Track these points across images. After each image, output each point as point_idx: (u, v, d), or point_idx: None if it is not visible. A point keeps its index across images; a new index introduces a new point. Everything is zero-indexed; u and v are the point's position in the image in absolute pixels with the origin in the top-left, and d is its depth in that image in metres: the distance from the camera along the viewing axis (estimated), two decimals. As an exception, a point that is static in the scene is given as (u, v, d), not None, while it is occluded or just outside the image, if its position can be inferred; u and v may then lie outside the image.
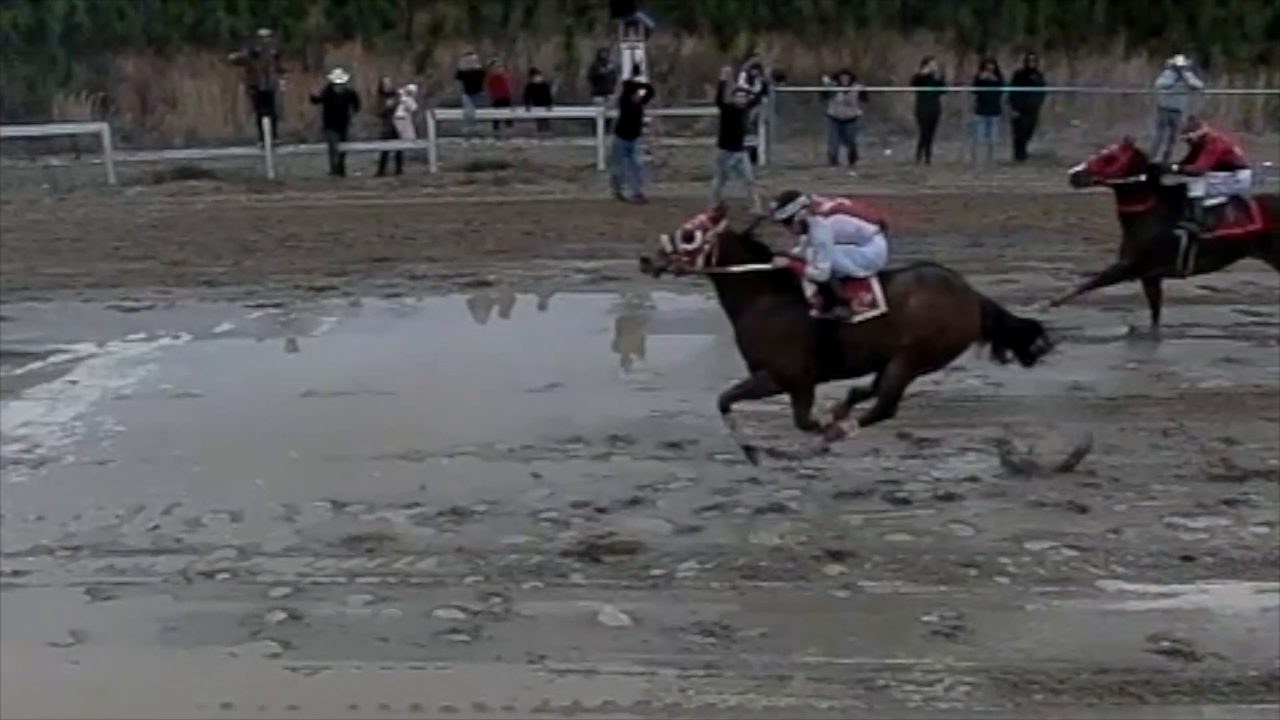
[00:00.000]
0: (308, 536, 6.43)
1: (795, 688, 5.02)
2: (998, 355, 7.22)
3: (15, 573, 6.08)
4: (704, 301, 9.88)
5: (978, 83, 19.83)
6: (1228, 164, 9.81)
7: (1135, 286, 10.39)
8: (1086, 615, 5.56)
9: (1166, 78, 19.46)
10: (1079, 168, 10.15)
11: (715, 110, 16.87)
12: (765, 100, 16.88)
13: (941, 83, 20.29)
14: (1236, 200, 9.73)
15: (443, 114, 20.37)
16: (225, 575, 6.06)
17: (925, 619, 5.50)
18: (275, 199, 17.67)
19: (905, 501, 6.78)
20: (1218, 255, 9.77)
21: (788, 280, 6.92)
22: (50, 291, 11.97)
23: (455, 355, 9.38)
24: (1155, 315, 9.86)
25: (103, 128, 19.45)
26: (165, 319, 10.93)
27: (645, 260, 7.02)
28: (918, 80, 20.29)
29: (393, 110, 19.74)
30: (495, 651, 5.32)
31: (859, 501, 6.78)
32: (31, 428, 8.13)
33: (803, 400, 7.06)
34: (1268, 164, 18.90)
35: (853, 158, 19.52)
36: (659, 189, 16.79)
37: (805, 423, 7.10)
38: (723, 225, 6.92)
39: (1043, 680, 5.01)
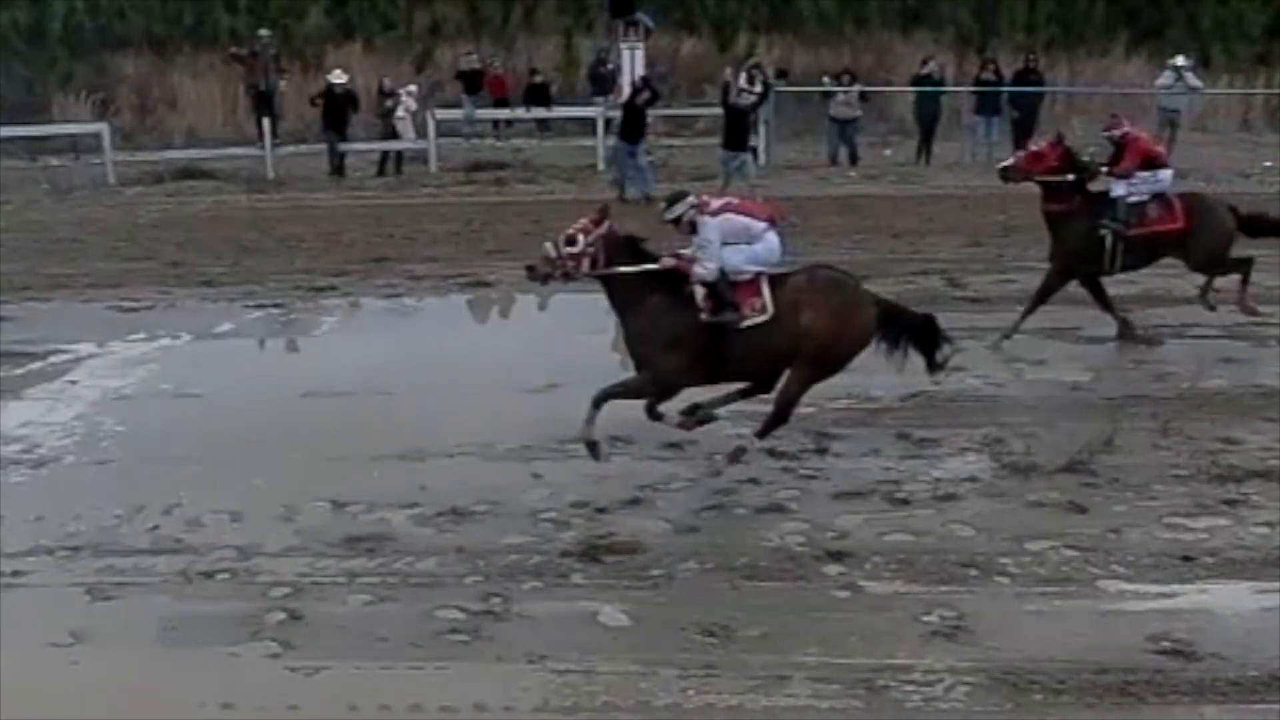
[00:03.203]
0: (308, 536, 6.43)
1: (795, 688, 5.01)
2: (896, 352, 7.13)
3: (15, 573, 6.07)
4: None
5: (978, 83, 19.84)
6: (1150, 163, 9.80)
7: (1135, 286, 10.40)
8: (1086, 615, 5.56)
9: (1166, 78, 19.48)
10: (1008, 162, 10.17)
11: (714, 110, 16.90)
12: (768, 101, 16.87)
13: (941, 83, 20.30)
14: (1160, 197, 9.74)
15: (443, 114, 20.38)
16: (225, 575, 6.06)
17: (925, 619, 5.50)
18: (275, 199, 17.67)
19: (905, 501, 6.77)
20: (1143, 253, 9.75)
21: (678, 282, 6.90)
22: (50, 291, 11.97)
23: (455, 355, 9.38)
24: (1112, 313, 9.82)
25: (102, 128, 19.45)
26: (165, 319, 10.92)
27: (530, 267, 7.03)
28: (917, 80, 20.31)
29: (393, 110, 19.75)
30: (495, 651, 5.32)
31: (859, 501, 6.77)
32: (31, 428, 8.12)
33: (665, 396, 7.03)
34: (1268, 164, 18.97)
35: (853, 159, 19.52)
36: (658, 189, 16.75)
37: (654, 413, 7.11)
38: (605, 227, 6.92)
39: (1043, 680, 5.01)
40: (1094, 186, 9.79)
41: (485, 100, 22.00)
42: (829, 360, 6.98)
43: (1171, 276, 11.79)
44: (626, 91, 18.39)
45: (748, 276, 6.89)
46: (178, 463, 7.37)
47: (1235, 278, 9.76)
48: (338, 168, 19.30)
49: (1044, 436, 7.64)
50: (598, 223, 6.94)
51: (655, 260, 6.95)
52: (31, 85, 22.53)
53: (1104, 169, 9.84)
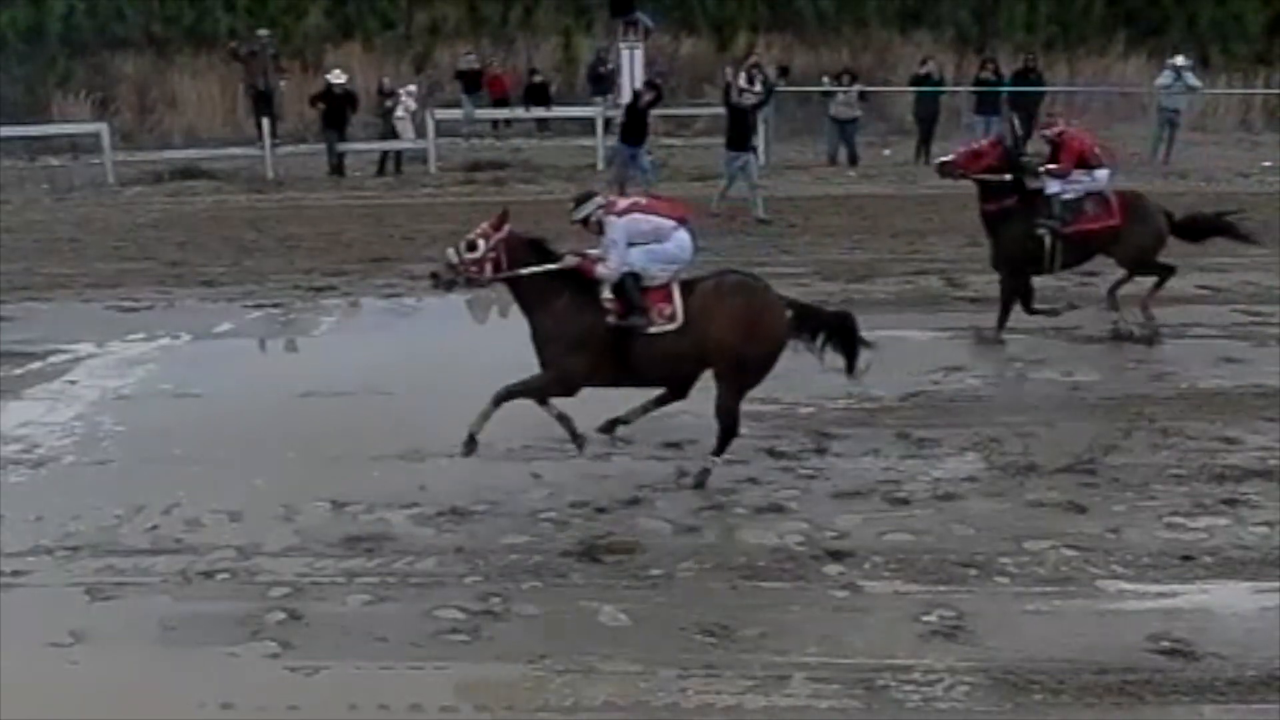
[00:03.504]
0: (308, 536, 6.43)
1: (794, 687, 5.02)
2: (814, 349, 7.09)
3: (15, 573, 6.07)
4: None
5: (978, 83, 19.84)
6: (1085, 163, 9.81)
7: (1134, 286, 10.40)
8: (1086, 615, 5.56)
9: (1166, 77, 19.48)
10: (947, 158, 10.19)
11: (714, 110, 16.87)
12: (771, 100, 16.84)
13: (940, 82, 20.29)
14: (1097, 195, 9.77)
15: (442, 114, 20.38)
16: (225, 575, 6.06)
17: (925, 619, 5.50)
18: (275, 199, 17.66)
19: (905, 501, 6.78)
20: (1080, 250, 9.76)
21: (589, 283, 6.89)
22: (50, 291, 11.96)
23: (455, 355, 9.38)
24: (1029, 308, 9.82)
25: (102, 128, 19.44)
26: (165, 319, 10.92)
27: (434, 275, 7.02)
28: (916, 80, 20.31)
29: (392, 110, 19.75)
30: (495, 651, 5.32)
31: (859, 501, 6.78)
32: (31, 428, 8.12)
33: (566, 395, 7.00)
34: (1267, 164, 18.97)
35: (853, 159, 19.52)
36: (658, 189, 16.76)
37: (551, 408, 7.09)
38: (505, 230, 6.91)
39: (1043, 680, 5.01)
40: (1031, 184, 9.80)
41: (485, 100, 22.01)
42: (746, 366, 6.89)
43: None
44: (626, 92, 18.40)
45: (660, 282, 6.88)
46: (178, 463, 7.37)
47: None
48: (337, 167, 19.30)
49: (1044, 436, 7.65)
50: (498, 226, 6.91)
51: (559, 259, 6.93)
52: (31, 85, 22.52)
53: (1042, 169, 9.85)
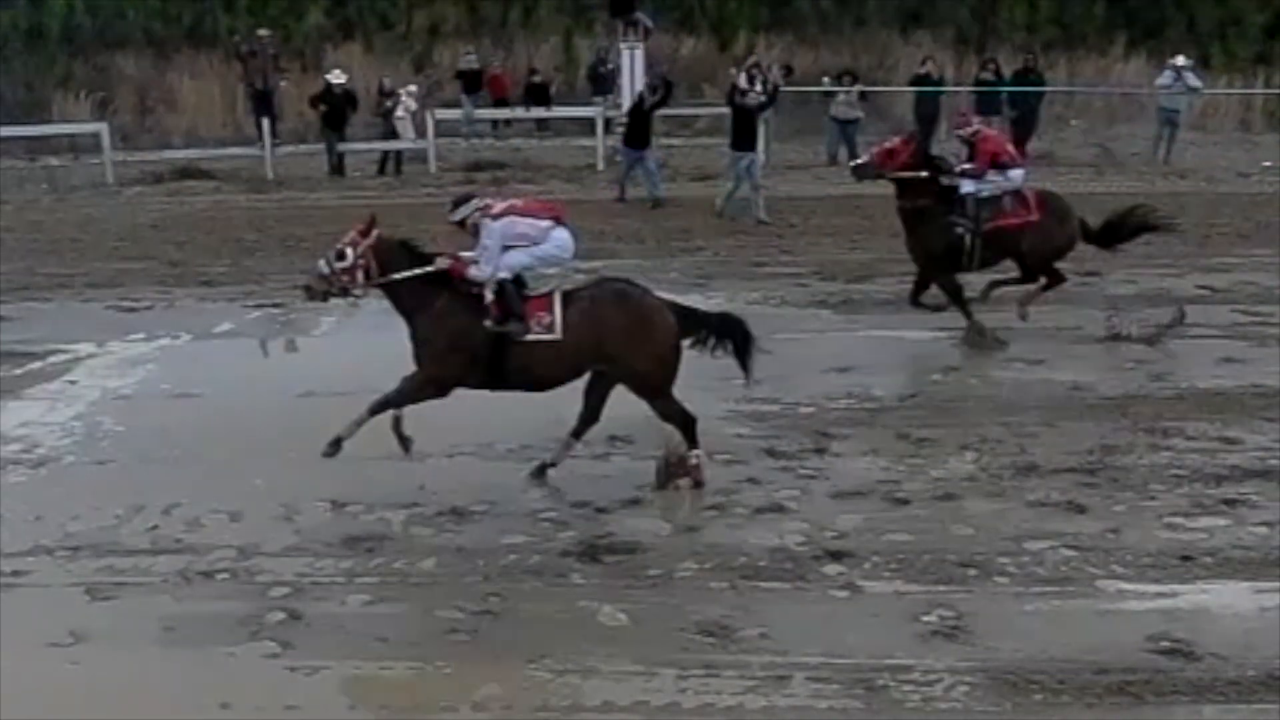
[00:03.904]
0: (307, 536, 6.44)
1: (794, 688, 5.02)
2: (707, 348, 7.07)
3: (15, 573, 6.08)
4: (704, 302, 9.90)
5: (978, 83, 19.83)
6: (999, 163, 9.82)
7: (1133, 286, 10.41)
8: (1086, 615, 5.56)
9: (1166, 78, 19.47)
10: (861, 159, 10.23)
11: (713, 110, 16.84)
12: (776, 101, 16.79)
13: (940, 82, 20.29)
14: (1014, 192, 9.78)
15: (442, 114, 20.37)
16: (225, 575, 6.06)
17: (925, 619, 5.50)
18: (275, 199, 17.65)
19: (905, 501, 6.78)
20: (998, 247, 9.77)
21: (466, 285, 6.88)
22: (50, 291, 11.97)
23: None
24: (920, 306, 9.87)
25: (102, 128, 19.43)
26: (165, 319, 10.92)
27: (306, 287, 7.00)
28: (915, 80, 20.30)
29: (392, 110, 19.74)
30: (495, 651, 5.33)
31: (859, 501, 6.78)
32: (31, 428, 8.12)
33: (439, 396, 6.94)
34: (1267, 164, 18.97)
35: (853, 159, 19.46)
36: (665, 190, 16.78)
37: (393, 418, 7.03)
38: (374, 237, 6.87)
39: (1043, 680, 5.01)
40: (947, 182, 9.81)
41: (485, 100, 22.00)
42: (643, 372, 6.86)
43: (1171, 276, 11.84)
44: (627, 92, 18.38)
45: (543, 291, 6.90)
46: (178, 463, 7.38)
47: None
48: (337, 167, 19.30)
49: (1044, 436, 7.65)
50: (365, 233, 6.86)
51: (431, 263, 6.91)
52: (31, 85, 22.52)
53: (957, 168, 9.87)
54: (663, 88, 16.65)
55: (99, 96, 22.33)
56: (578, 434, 7.15)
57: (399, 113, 19.71)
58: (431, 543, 6.36)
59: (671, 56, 23.47)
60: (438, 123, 19.80)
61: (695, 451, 7.00)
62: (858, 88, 19.77)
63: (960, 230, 9.60)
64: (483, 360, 6.80)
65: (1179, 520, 6.46)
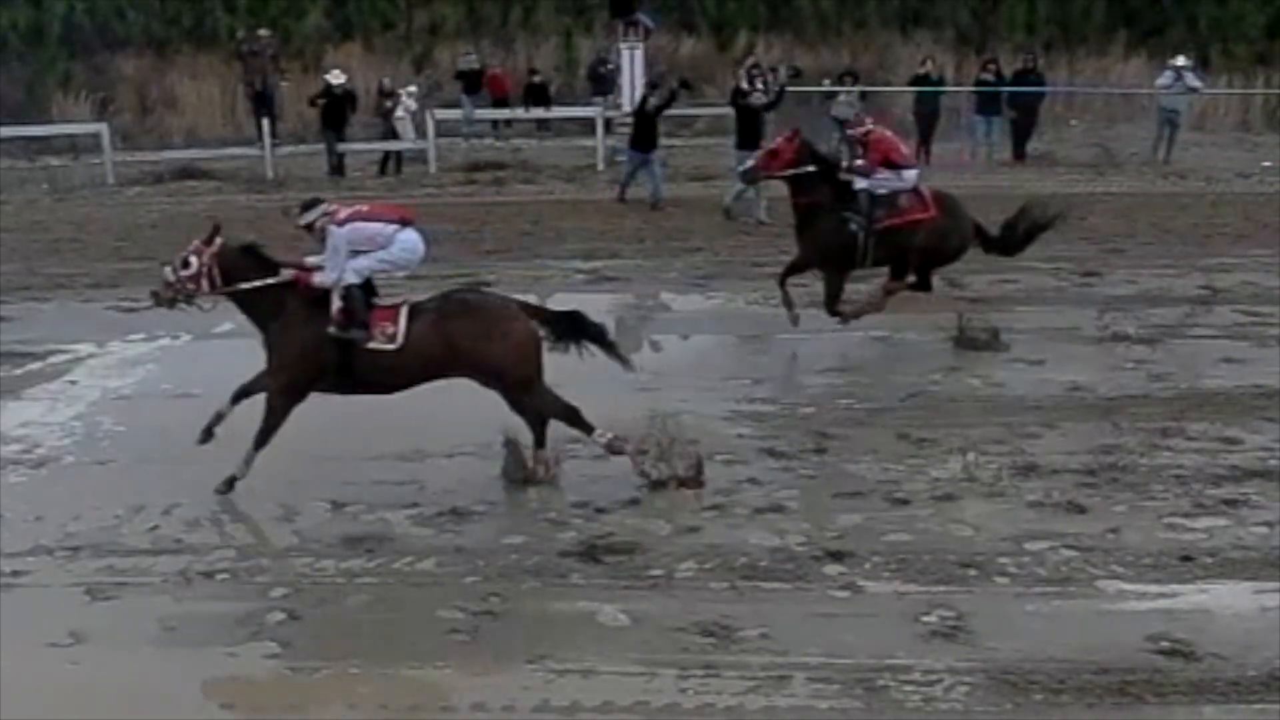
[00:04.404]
0: (307, 536, 6.44)
1: (795, 688, 5.02)
2: (566, 347, 7.08)
3: (15, 573, 6.08)
4: (704, 302, 9.93)
5: (978, 83, 19.83)
6: (892, 163, 9.82)
7: (1133, 286, 10.41)
8: (1086, 615, 5.56)
9: (1166, 78, 19.47)
10: (748, 164, 10.23)
11: (712, 111, 16.81)
12: (783, 101, 16.77)
13: (939, 82, 20.29)
14: (910, 191, 9.78)
15: (442, 114, 20.37)
16: (225, 575, 6.07)
17: (925, 619, 5.50)
18: (275, 199, 17.64)
19: (905, 501, 6.77)
20: (892, 245, 9.76)
21: (313, 291, 6.90)
22: (50, 291, 11.96)
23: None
24: (789, 307, 9.88)
25: (102, 128, 19.42)
26: (165, 319, 10.81)
27: (154, 294, 7.06)
28: (915, 80, 20.30)
29: (392, 110, 19.74)
30: (495, 651, 5.33)
31: (859, 501, 6.78)
32: (31, 428, 8.12)
33: (293, 403, 6.99)
34: (1267, 164, 18.97)
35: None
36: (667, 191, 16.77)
37: (211, 430, 7.07)
38: (218, 244, 6.91)
39: (1043, 680, 5.01)
40: (842, 177, 9.81)
41: (485, 100, 21.99)
42: (507, 372, 6.86)
43: (1170, 276, 11.84)
44: (627, 94, 18.38)
45: (391, 302, 6.95)
46: (178, 463, 7.36)
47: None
48: (337, 167, 19.29)
49: (1044, 436, 7.65)
50: (209, 241, 6.91)
51: (277, 270, 6.93)
52: (31, 85, 22.51)
53: (845, 163, 9.91)
54: (668, 94, 16.64)
55: (99, 96, 22.32)
56: (539, 443, 7.13)
57: (399, 113, 19.71)
58: (431, 543, 6.35)
59: (671, 56, 23.48)
60: (438, 123, 19.80)
61: (606, 434, 6.96)
62: (858, 88, 19.77)
63: (854, 227, 9.62)
64: (331, 366, 6.84)
65: (1179, 520, 6.46)
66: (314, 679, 5.13)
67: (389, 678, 5.12)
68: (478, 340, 6.80)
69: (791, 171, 9.68)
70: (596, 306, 10.72)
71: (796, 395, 8.54)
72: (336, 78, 19.39)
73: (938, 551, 6.13)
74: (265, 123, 19.35)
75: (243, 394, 7.09)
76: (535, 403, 6.96)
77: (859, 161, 9.86)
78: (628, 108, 17.96)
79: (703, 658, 5.24)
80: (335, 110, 19.10)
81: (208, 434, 7.05)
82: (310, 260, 6.98)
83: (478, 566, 6.07)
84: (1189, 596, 5.73)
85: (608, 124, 19.21)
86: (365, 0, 25.96)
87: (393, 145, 19.74)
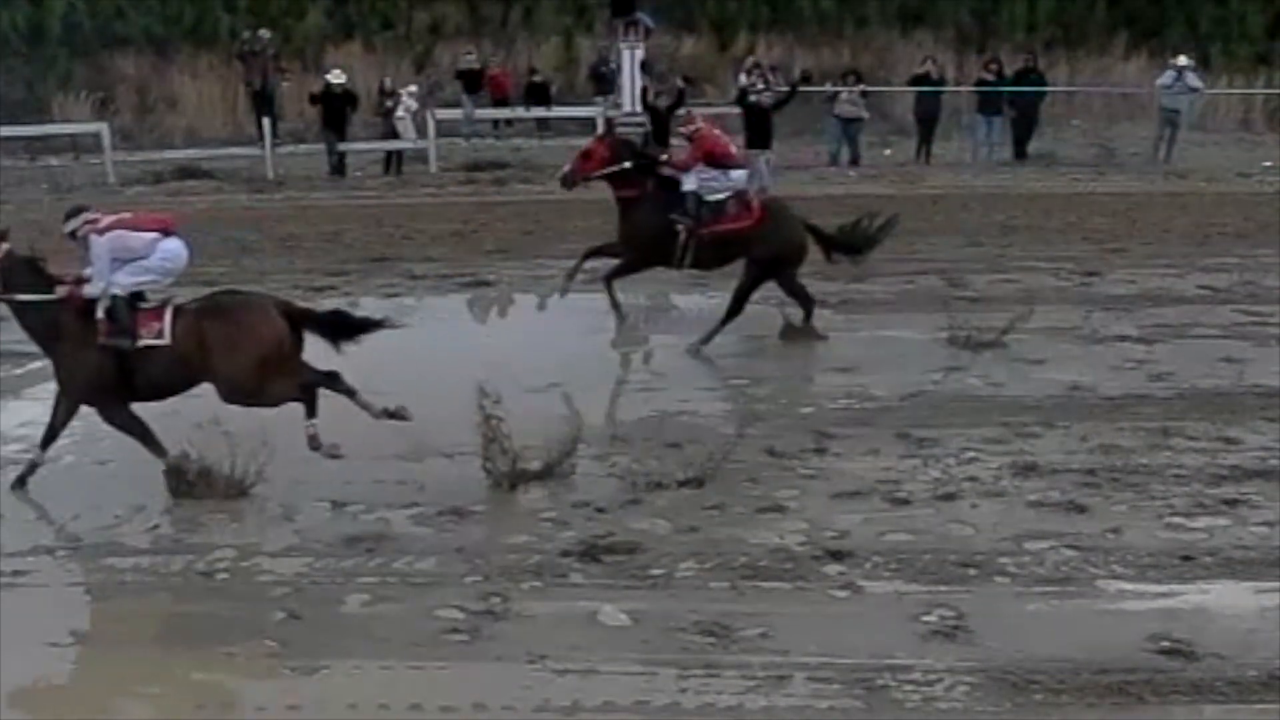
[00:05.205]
0: (307, 536, 6.43)
1: (795, 688, 5.01)
2: (339, 346, 7.15)
3: (15, 573, 6.07)
4: (704, 301, 9.93)
5: (978, 82, 19.83)
6: (719, 162, 9.81)
7: (1133, 286, 10.41)
8: (1086, 615, 5.56)
9: (1166, 78, 19.48)
10: (564, 169, 10.28)
11: (712, 110, 16.70)
12: (793, 99, 16.75)
13: (939, 82, 20.29)
14: (739, 197, 9.78)
15: (442, 114, 20.39)
16: (225, 575, 6.06)
17: (925, 619, 5.50)
18: (275, 199, 17.67)
19: (905, 501, 6.77)
20: (716, 250, 9.77)
21: (88, 306, 6.92)
22: (50, 291, 11.94)
23: (455, 355, 9.37)
24: (616, 307, 9.95)
25: (102, 128, 19.44)
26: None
27: None
28: (915, 80, 20.30)
29: (393, 110, 19.75)
30: (495, 651, 5.32)
31: (859, 501, 6.77)
32: (31, 428, 8.09)
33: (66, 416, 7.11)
34: (1267, 164, 18.98)
35: (854, 160, 19.50)
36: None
37: (52, 436, 7.15)
38: (2, 250, 6.92)
39: (1043, 680, 5.00)
40: (665, 172, 9.85)
41: (485, 100, 22.00)
42: (235, 378, 6.92)
43: (1171, 276, 11.85)
44: (627, 94, 18.37)
45: (154, 304, 6.98)
46: (177, 463, 7.36)
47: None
48: (337, 167, 19.31)
49: (1044, 436, 7.65)
50: None
51: (53, 284, 6.94)
52: (31, 85, 22.52)
53: (665, 157, 9.97)
54: (675, 92, 16.65)
55: (99, 96, 22.32)
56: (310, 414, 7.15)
57: (399, 113, 19.73)
58: (431, 543, 6.35)
59: (672, 56, 23.49)
60: (438, 123, 19.82)
61: (313, 421, 7.04)
62: (861, 87, 19.77)
63: (679, 227, 9.63)
64: (110, 375, 6.91)
65: (1179, 520, 6.46)
66: (314, 679, 5.13)
67: (389, 677, 5.12)
68: (221, 341, 6.88)
69: (608, 170, 9.76)
70: (596, 306, 10.81)
71: (796, 395, 8.54)
72: (336, 77, 19.41)
73: (938, 551, 6.12)
74: (265, 122, 19.37)
75: (50, 438, 7.17)
76: (265, 402, 7.01)
77: (681, 159, 9.88)
78: (628, 107, 17.96)
79: (703, 657, 5.23)
80: (335, 110, 19.12)
81: (21, 482, 7.10)
82: (87, 273, 7.02)
83: (477, 566, 6.07)
84: (1189, 596, 5.72)
85: (608, 124, 19.21)
86: (365, 0, 25.97)
87: (393, 145, 19.76)
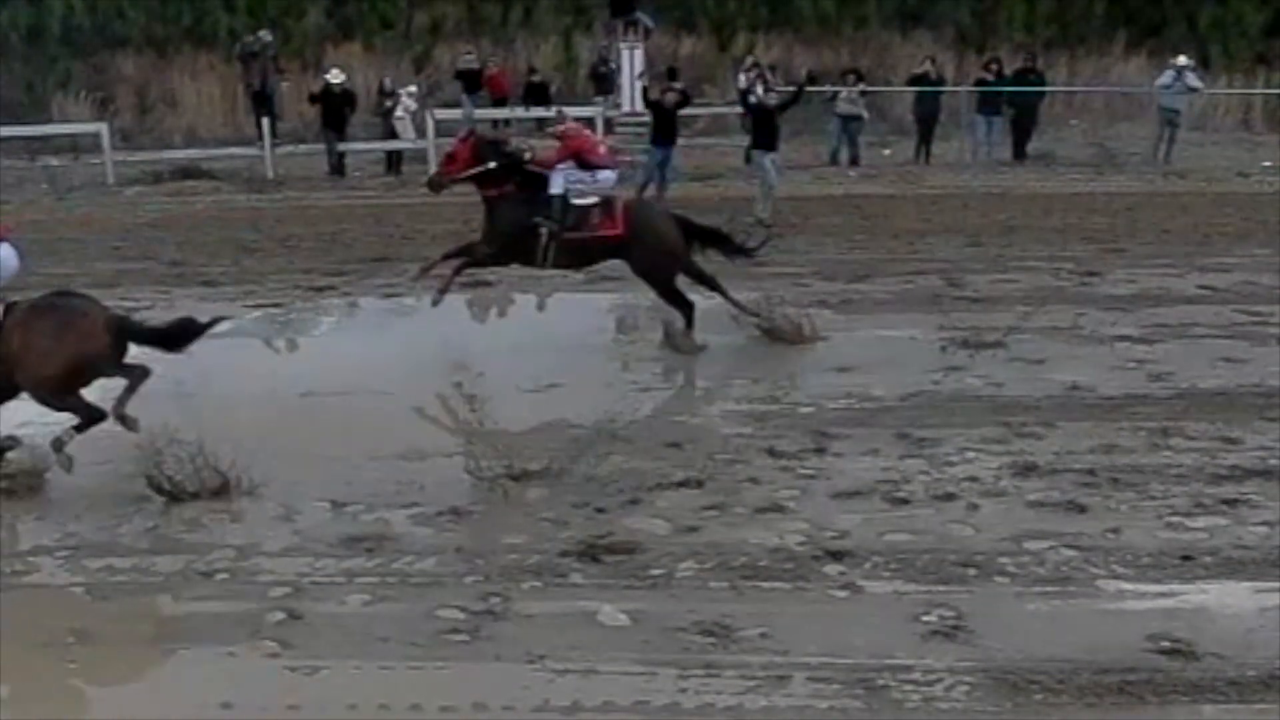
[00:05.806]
0: (307, 536, 6.43)
1: (794, 688, 5.01)
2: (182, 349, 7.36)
3: (15, 573, 6.08)
4: (704, 301, 9.91)
5: (978, 82, 19.83)
6: (587, 163, 9.82)
7: (1133, 285, 10.39)
8: (1086, 615, 5.56)
9: (1166, 78, 19.48)
10: (431, 175, 10.37)
11: (712, 110, 16.81)
12: (800, 100, 16.74)
13: (939, 82, 20.30)
14: (606, 204, 9.77)
15: (442, 114, 20.38)
16: (225, 575, 6.06)
17: (925, 619, 5.50)
18: (275, 199, 17.67)
19: (905, 501, 6.77)
20: (580, 254, 9.80)
21: None
22: (50, 291, 11.94)
23: (454, 355, 9.38)
24: (443, 291, 9.98)
25: (102, 128, 19.45)
26: (165, 319, 10.89)
27: None
28: (915, 80, 20.30)
29: (392, 110, 19.76)
30: (495, 651, 5.32)
31: (858, 501, 6.77)
32: (31, 428, 8.10)
33: None
34: (1267, 164, 18.98)
35: (854, 160, 19.51)
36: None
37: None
38: None
39: (1043, 680, 5.00)
40: (532, 170, 9.87)
41: (484, 100, 22.01)
42: (40, 379, 7.03)
43: (1170, 276, 11.85)
44: (627, 93, 18.38)
45: None
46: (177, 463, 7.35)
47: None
48: (336, 167, 19.31)
49: (1044, 436, 7.65)
50: None
51: None
52: (31, 85, 22.53)
53: (528, 156, 9.97)
54: (678, 94, 16.65)
55: (99, 96, 22.34)
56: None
57: (399, 113, 19.74)
58: (431, 543, 6.35)
59: (671, 56, 23.48)
60: (438, 123, 19.81)
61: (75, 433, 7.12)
62: (861, 86, 19.78)
63: (542, 230, 9.65)
64: None
65: (1179, 520, 6.45)
66: (314, 679, 5.13)
67: (389, 678, 5.12)
68: (38, 341, 6.99)
69: (473, 171, 9.80)
70: (596, 306, 10.82)
71: (796, 395, 8.54)
72: (336, 77, 19.41)
73: (937, 551, 6.12)
74: (265, 122, 19.37)
75: None
76: (53, 405, 7.10)
77: (547, 158, 9.91)
78: (627, 107, 17.97)
79: (703, 658, 5.23)
80: (335, 110, 19.12)
81: None
82: None
83: (477, 566, 6.07)
84: (1189, 596, 5.72)
85: (608, 124, 19.21)
86: (365, 0, 25.98)
87: (393, 145, 19.76)
